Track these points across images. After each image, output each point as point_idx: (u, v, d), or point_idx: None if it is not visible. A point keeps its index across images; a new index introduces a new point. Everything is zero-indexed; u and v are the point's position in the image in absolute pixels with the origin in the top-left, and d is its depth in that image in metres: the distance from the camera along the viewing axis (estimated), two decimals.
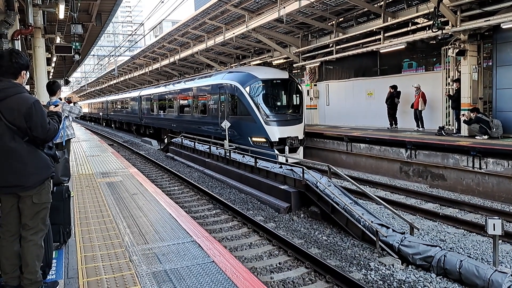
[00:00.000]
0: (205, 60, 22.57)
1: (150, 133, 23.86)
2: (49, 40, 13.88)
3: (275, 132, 11.98)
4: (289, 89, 13.25)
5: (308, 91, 17.47)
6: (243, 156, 10.67)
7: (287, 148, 11.71)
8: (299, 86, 13.62)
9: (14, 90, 2.66)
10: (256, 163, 9.59)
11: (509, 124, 10.04)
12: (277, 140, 11.89)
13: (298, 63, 17.27)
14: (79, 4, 11.23)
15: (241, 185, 9.73)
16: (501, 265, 5.15)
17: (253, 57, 20.73)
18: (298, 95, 13.31)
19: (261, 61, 19.72)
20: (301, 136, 12.46)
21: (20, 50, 3.32)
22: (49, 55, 15.03)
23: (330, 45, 15.38)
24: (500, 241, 5.75)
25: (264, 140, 12.06)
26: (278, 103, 13.19)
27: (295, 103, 13.23)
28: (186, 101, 18.02)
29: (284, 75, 13.50)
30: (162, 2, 14.55)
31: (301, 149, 12.50)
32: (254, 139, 12.28)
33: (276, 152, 11.53)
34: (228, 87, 13.38)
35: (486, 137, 9.94)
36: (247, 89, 12.48)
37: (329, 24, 15.03)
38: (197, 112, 16.40)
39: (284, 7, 13.30)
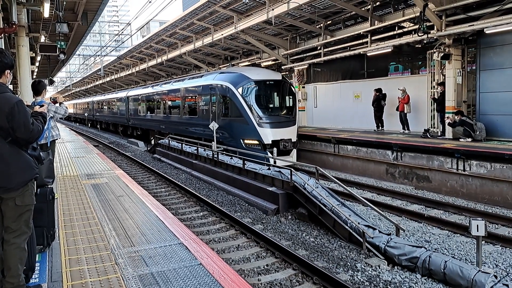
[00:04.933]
0: (193, 61, 22.47)
1: (138, 134, 23.57)
2: (33, 39, 13.63)
3: (268, 134, 11.78)
4: (282, 91, 13.05)
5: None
6: (231, 158, 10.63)
7: (275, 149, 11.55)
8: (292, 87, 13.43)
9: None
10: (244, 165, 9.58)
11: (492, 127, 10.28)
12: (270, 142, 11.70)
13: (287, 65, 17.35)
14: (64, 3, 11.06)
15: (229, 187, 9.70)
16: (484, 265, 5.25)
17: (241, 59, 20.72)
18: (291, 97, 13.11)
19: (249, 63, 19.72)
20: (294, 139, 12.28)
21: (3, 48, 3.24)
22: (33, 54, 14.76)
23: (318, 47, 15.52)
24: (483, 242, 5.88)
25: (257, 142, 11.87)
26: (271, 105, 12.90)
27: (288, 104, 13.03)
28: (175, 102, 17.78)
29: (277, 76, 13.33)
30: (150, 2, 14.43)
31: (294, 151, 12.30)
32: (246, 141, 12.06)
33: (269, 154, 11.37)
34: (219, 88, 13.18)
35: (469, 139, 10.15)
36: (240, 90, 12.25)
37: (317, 26, 15.15)
38: (187, 114, 16.17)
39: (272, 9, 13.35)
